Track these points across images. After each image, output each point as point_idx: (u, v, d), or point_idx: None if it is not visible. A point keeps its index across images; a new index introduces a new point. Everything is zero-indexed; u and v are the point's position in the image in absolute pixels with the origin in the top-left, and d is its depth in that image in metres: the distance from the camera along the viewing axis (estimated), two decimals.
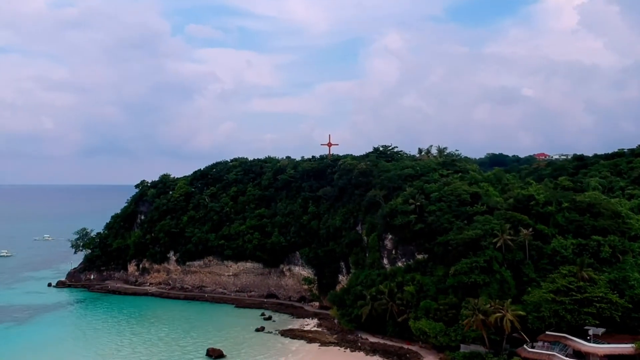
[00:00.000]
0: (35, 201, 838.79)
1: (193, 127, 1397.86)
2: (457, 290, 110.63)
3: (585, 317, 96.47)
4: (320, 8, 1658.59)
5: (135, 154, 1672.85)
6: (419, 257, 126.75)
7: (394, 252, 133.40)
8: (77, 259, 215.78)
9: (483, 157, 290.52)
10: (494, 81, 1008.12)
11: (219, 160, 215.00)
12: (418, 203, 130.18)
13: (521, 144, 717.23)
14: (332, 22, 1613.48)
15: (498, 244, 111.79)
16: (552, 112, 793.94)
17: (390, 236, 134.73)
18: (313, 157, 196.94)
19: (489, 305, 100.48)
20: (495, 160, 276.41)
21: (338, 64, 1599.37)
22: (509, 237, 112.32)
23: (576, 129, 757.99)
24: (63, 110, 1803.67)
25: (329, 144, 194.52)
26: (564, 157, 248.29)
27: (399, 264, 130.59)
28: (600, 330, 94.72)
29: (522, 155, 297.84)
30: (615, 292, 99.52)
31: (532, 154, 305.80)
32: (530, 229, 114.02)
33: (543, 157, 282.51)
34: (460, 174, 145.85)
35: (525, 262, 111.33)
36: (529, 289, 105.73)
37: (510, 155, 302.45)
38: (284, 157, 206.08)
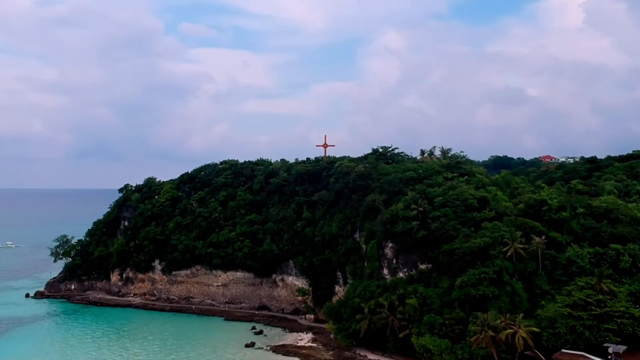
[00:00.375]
0: (16, 206, 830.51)
1: (187, 129, 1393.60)
2: (463, 303, 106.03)
3: (605, 334, 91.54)
4: (318, 6, 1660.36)
5: (127, 157, 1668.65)
6: (422, 267, 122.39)
7: (394, 261, 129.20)
8: (57, 268, 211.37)
9: (486, 159, 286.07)
10: (498, 81, 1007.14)
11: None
12: (421, 208, 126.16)
13: (525, 146, 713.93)
14: (330, 21, 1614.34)
15: (508, 253, 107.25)
16: (558, 113, 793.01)
17: (390, 244, 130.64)
18: (308, 159, 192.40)
19: (499, 321, 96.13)
20: (500, 163, 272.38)
21: (335, 64, 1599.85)
22: (520, 245, 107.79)
23: (582, 130, 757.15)
24: (52, 112, 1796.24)
25: (325, 145, 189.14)
26: (571, 159, 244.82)
27: (400, 274, 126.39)
28: (622, 348, 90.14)
29: (526, 158, 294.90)
30: (637, 305, 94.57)
31: (537, 156, 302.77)
32: (543, 237, 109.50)
33: (549, 160, 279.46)
34: (466, 177, 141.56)
35: (537, 273, 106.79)
36: (543, 302, 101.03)
37: (515, 157, 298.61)
38: (279, 160, 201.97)
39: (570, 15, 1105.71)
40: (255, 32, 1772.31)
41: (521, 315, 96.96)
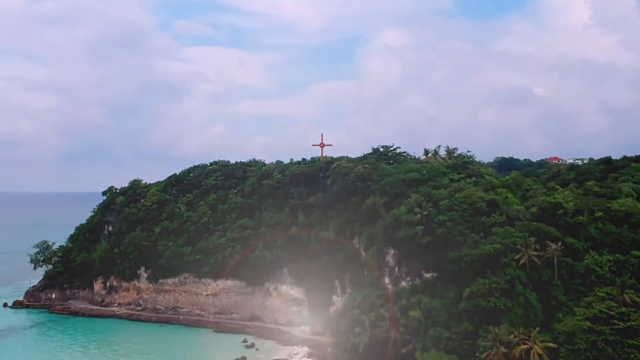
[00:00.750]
0: (1, 209, 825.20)
1: (181, 131, 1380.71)
2: (472, 316, 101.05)
3: (629, 351, 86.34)
4: (316, 4, 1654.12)
5: (119, 160, 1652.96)
6: (427, 275, 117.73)
7: (397, 269, 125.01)
8: (38, 276, 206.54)
9: (491, 161, 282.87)
10: (502, 81, 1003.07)
11: None
12: (425, 212, 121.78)
13: (530, 148, 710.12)
14: (328, 19, 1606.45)
15: (521, 261, 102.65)
16: (564, 113, 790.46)
17: (392, 251, 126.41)
18: (303, 159, 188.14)
19: (512, 335, 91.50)
20: (505, 165, 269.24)
21: (334, 63, 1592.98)
22: (534, 252, 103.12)
23: (589, 131, 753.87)
24: (42, 113, 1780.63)
25: (322, 145, 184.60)
26: (579, 161, 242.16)
27: (403, 283, 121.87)
28: None
29: (532, 159, 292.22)
30: None
31: (543, 158, 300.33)
32: (559, 243, 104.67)
33: (556, 161, 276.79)
34: (473, 178, 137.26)
35: (553, 283, 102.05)
36: (560, 315, 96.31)
37: (520, 159, 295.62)
38: (274, 161, 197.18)
39: (577, 12, 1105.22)
40: (251, 30, 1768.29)
41: (536, 329, 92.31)
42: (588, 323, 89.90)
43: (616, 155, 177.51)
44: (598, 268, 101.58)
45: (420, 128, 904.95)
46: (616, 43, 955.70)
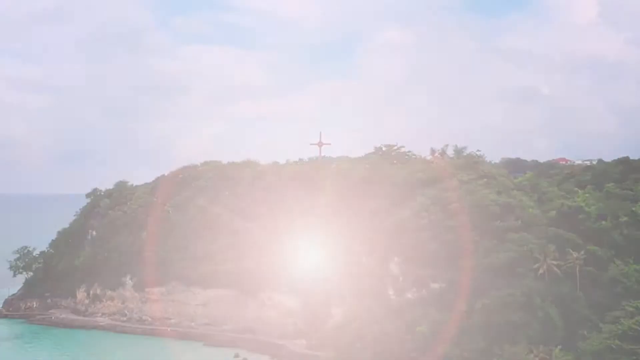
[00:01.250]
0: None
1: (179, 131, 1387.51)
2: (486, 332, 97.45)
3: None
4: (317, 0, 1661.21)
5: (115, 160, 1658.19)
6: (435, 286, 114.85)
7: (401, 279, 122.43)
8: (18, 284, 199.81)
9: (497, 162, 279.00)
10: (508, 79, 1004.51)
11: None
12: (433, 216, 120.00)
13: (536, 148, 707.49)
14: (329, 16, 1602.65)
15: (540, 271, 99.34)
16: (571, 113, 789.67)
17: (396, 258, 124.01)
18: (300, 159, 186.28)
19: (531, 355, 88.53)
20: (512, 166, 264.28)
21: (335, 61, 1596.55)
22: (553, 261, 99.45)
23: (597, 131, 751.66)
24: (35, 113, 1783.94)
25: (320, 144, 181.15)
26: (587, 162, 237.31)
27: (409, 295, 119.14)
28: None
29: (539, 160, 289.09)
30: None
31: (550, 158, 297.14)
32: (582, 252, 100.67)
33: (564, 162, 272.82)
34: (485, 179, 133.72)
35: (575, 295, 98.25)
36: (585, 332, 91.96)
37: (527, 160, 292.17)
38: (271, 162, 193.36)
39: (584, 9, 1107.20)
40: (250, 28, 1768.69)
41: (558, 347, 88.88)
42: (617, 341, 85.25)
43: (626, 155, 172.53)
44: (624, 279, 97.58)
45: (422, 127, 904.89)
46: (625, 41, 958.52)
